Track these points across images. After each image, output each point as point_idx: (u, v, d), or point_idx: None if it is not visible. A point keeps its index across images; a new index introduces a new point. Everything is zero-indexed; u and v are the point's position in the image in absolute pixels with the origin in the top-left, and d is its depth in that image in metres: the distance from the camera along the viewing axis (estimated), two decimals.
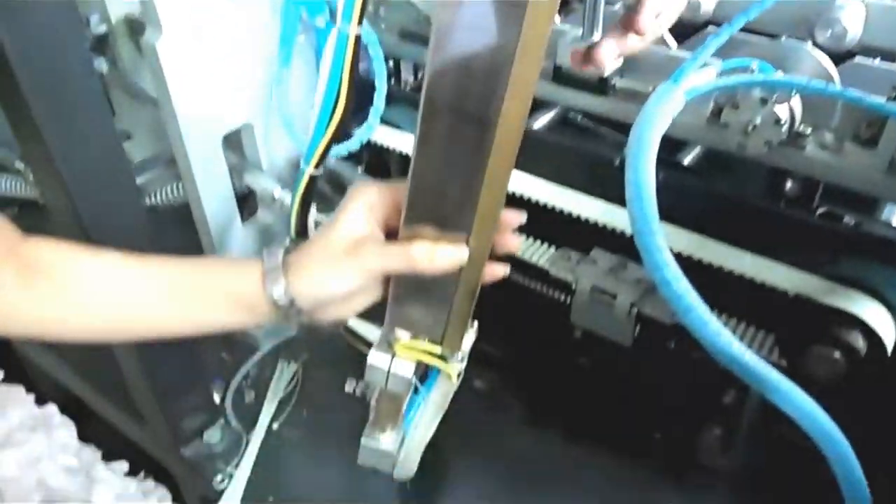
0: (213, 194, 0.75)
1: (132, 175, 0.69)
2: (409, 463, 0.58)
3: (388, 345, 0.49)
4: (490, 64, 0.37)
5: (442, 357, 0.50)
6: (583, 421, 0.76)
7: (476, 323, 0.52)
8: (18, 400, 0.67)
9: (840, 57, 0.67)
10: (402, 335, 0.49)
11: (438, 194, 0.43)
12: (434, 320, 0.48)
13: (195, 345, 0.87)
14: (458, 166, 0.41)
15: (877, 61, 0.71)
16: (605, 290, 0.67)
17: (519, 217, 0.48)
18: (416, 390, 0.57)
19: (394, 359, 0.49)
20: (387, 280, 0.48)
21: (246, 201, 0.85)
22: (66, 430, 0.78)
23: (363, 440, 0.56)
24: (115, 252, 0.49)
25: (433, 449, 0.74)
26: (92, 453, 0.79)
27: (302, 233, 0.70)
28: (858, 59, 0.72)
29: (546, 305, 0.73)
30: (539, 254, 0.73)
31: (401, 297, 0.48)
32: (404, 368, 0.49)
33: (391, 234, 0.47)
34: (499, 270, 0.50)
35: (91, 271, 0.48)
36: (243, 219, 0.80)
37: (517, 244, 0.49)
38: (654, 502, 0.68)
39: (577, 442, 0.74)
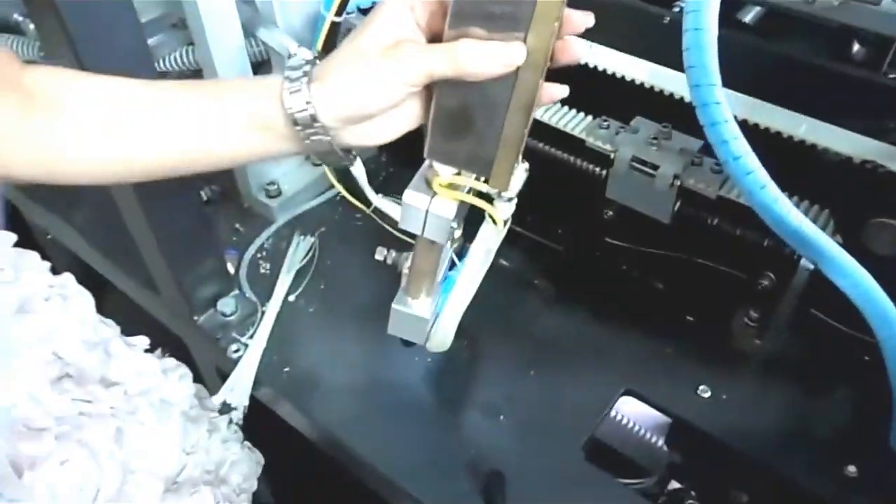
0: (226, 56, 0.69)
1: (142, 33, 0.64)
2: (443, 333, 0.53)
3: (427, 182, 0.43)
4: None
5: (488, 198, 0.44)
6: (613, 302, 0.73)
7: (526, 163, 0.45)
8: (33, 266, 0.64)
9: None
10: (443, 171, 0.43)
11: None
12: (480, 150, 0.42)
13: (209, 213, 0.84)
14: None
15: None
16: (645, 161, 0.62)
17: (588, 18, 0.40)
18: (452, 266, 0.53)
19: (433, 198, 0.43)
20: (427, 101, 0.41)
21: (259, 69, 0.79)
22: (83, 301, 0.76)
23: (394, 305, 0.51)
24: (119, 77, 0.44)
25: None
26: (110, 328, 0.78)
27: None
28: None
29: (581, 179, 0.69)
30: (575, 122, 0.68)
31: (442, 120, 0.41)
32: (445, 209, 0.43)
33: (434, 40, 0.40)
34: (558, 91, 0.43)
35: (90, 93, 0.43)
36: None
37: (582, 50, 0.41)
38: (683, 383, 0.65)
39: (607, 323, 0.71)
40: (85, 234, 0.85)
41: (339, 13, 0.57)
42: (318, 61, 0.41)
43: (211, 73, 0.70)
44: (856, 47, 0.62)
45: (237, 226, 0.82)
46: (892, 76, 0.60)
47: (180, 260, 0.70)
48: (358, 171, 0.46)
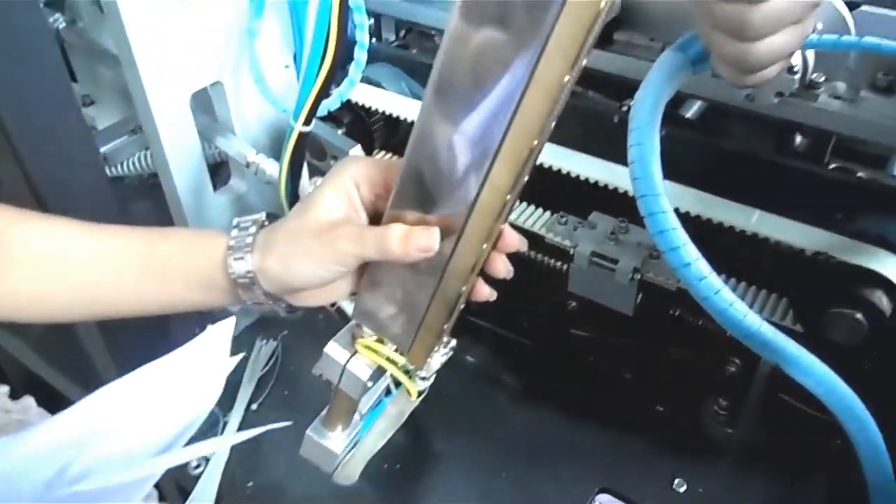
0: (182, 161, 0.69)
1: (93, 142, 0.64)
2: (351, 470, 0.53)
3: (352, 339, 0.45)
4: (512, 53, 0.31)
5: (405, 370, 0.46)
6: (582, 395, 0.72)
7: (454, 342, 0.47)
8: None
9: (849, 5, 0.63)
10: (368, 334, 0.45)
11: (433, 181, 0.37)
12: (402, 327, 0.43)
13: (166, 323, 0.82)
14: (463, 152, 0.35)
15: (885, 10, 0.67)
16: (605, 256, 0.63)
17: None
18: (388, 392, 0.53)
19: (353, 356, 0.45)
20: (363, 270, 0.43)
21: (218, 169, 0.79)
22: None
23: (308, 432, 0.52)
24: (68, 220, 0.45)
25: (423, 427, 0.71)
26: None
27: (293, 198, 0.66)
28: (864, 7, 0.68)
29: (542, 274, 0.69)
30: (534, 218, 0.68)
31: (372, 292, 0.43)
32: (361, 369, 0.45)
33: (377, 218, 0.42)
34: (485, 291, 0.44)
35: (38, 239, 0.44)
36: (216, 187, 0.75)
37: (506, 272, 0.43)
38: (659, 477, 0.64)
39: (578, 418, 0.70)
40: (34, 347, 0.83)
41: (307, 122, 0.58)
42: (266, 223, 0.44)
43: (167, 178, 0.70)
44: (798, 139, 0.65)
45: (197, 330, 0.80)
46: (833, 166, 0.62)
47: (135, 368, 0.68)
48: None
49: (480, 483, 0.65)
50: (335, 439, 0.51)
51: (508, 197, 0.37)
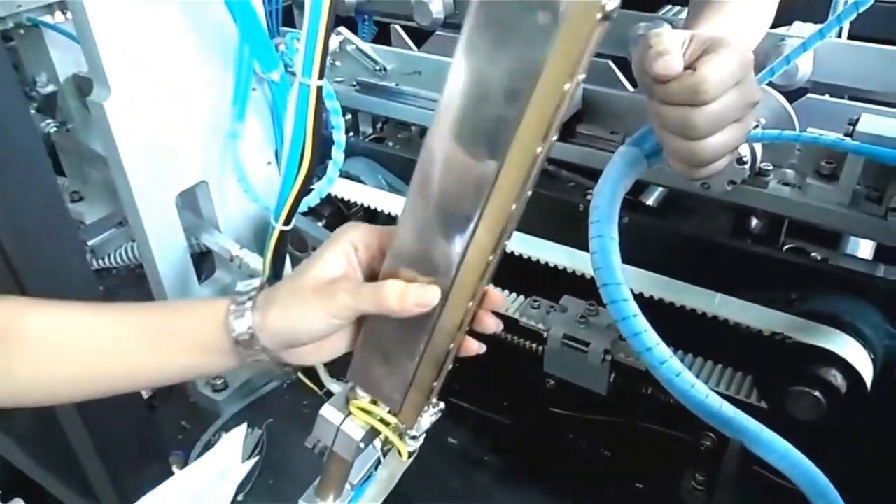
0: (167, 255, 0.72)
1: (76, 235, 0.66)
2: None
3: (346, 402, 0.46)
4: (493, 129, 0.35)
5: (396, 431, 0.47)
6: (563, 473, 0.73)
7: (441, 404, 0.49)
8: None
9: (791, 94, 0.68)
10: (362, 395, 0.46)
11: (424, 245, 0.40)
12: (394, 387, 0.45)
13: (151, 414, 0.83)
14: (449, 222, 0.39)
15: (826, 97, 0.72)
16: (576, 339, 0.66)
17: (504, 302, 0.47)
18: (377, 465, 0.54)
19: (347, 418, 0.46)
20: (359, 329, 0.45)
21: (203, 260, 0.82)
22: None
23: (301, 501, 0.52)
24: (67, 303, 0.46)
25: None
26: None
27: None
28: (810, 95, 0.73)
29: (519, 356, 0.71)
30: (508, 302, 0.71)
31: (366, 352, 0.45)
32: (355, 431, 0.46)
33: (373, 278, 0.44)
34: (473, 346, 0.46)
35: (40, 326, 0.45)
36: (201, 279, 0.77)
37: (495, 326, 0.46)
38: None
39: (560, 497, 0.71)
40: (14, 439, 0.83)
41: (286, 223, 0.61)
42: (266, 285, 0.46)
43: (153, 272, 0.72)
44: (754, 222, 0.69)
45: (183, 423, 0.81)
46: (788, 247, 0.66)
47: (122, 466, 0.68)
48: None
49: None
50: None
51: (491, 258, 0.40)
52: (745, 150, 0.61)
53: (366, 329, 0.45)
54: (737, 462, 0.70)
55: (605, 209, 0.52)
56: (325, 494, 0.52)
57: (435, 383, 0.45)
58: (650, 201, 0.70)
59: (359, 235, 0.45)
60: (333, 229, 0.74)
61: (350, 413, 0.46)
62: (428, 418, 0.47)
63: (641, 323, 0.50)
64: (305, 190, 0.61)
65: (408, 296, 0.41)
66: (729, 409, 0.51)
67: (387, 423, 0.46)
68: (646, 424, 0.72)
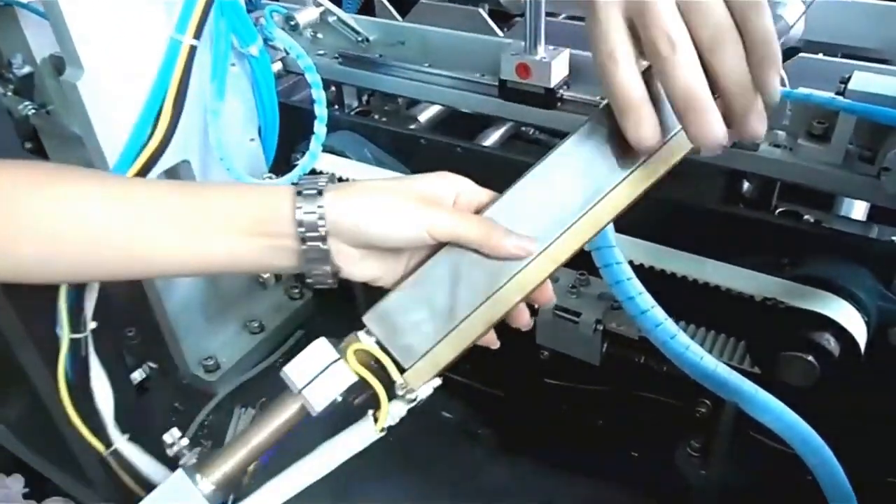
0: None
1: None
2: None
3: (344, 345, 0.42)
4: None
5: (390, 390, 0.42)
6: (557, 445, 0.73)
7: (438, 379, 0.44)
8: None
9: (784, 54, 0.66)
10: (365, 340, 0.42)
11: (531, 213, 0.42)
12: (421, 340, 0.42)
13: (144, 394, 0.83)
14: (560, 204, 0.42)
15: (819, 56, 0.70)
16: (568, 309, 0.65)
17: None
18: None
19: (337, 361, 0.41)
20: (408, 271, 0.43)
21: None
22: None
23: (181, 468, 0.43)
24: (92, 177, 0.45)
25: (400, 483, 0.71)
26: None
27: None
28: (802, 55, 0.71)
29: (510, 328, 0.70)
30: None
31: (409, 295, 0.42)
32: (342, 376, 0.41)
33: None
34: (525, 320, 0.46)
35: (46, 198, 0.42)
36: None
37: (527, 323, 0.47)
38: None
39: (553, 468, 0.71)
40: (14, 429, 0.83)
41: None
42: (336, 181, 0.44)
43: None
44: (746, 186, 0.67)
45: (176, 404, 0.81)
46: (780, 210, 0.65)
47: None
48: None
49: None
50: (204, 487, 0.42)
51: (579, 246, 0.43)
52: None
53: (424, 271, 0.42)
54: (732, 427, 0.70)
55: None
56: (211, 470, 0.43)
57: (462, 351, 0.43)
58: None
59: (465, 185, 0.44)
60: None
61: (344, 357, 0.41)
62: (427, 388, 0.43)
63: (636, 286, 0.49)
64: (157, 157, 0.59)
65: (511, 237, 0.41)
66: (724, 371, 0.51)
67: (389, 373, 0.42)
68: (639, 393, 0.71)
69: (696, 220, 0.63)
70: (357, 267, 0.43)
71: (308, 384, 0.41)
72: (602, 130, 0.42)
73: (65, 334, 0.56)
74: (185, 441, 0.45)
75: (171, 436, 0.45)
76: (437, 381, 0.44)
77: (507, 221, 0.42)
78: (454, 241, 0.42)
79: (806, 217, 0.65)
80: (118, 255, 0.42)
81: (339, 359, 0.41)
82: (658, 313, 0.50)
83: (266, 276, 0.69)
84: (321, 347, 0.42)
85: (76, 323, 0.56)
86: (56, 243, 0.42)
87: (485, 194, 0.44)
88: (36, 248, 0.42)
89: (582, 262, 0.65)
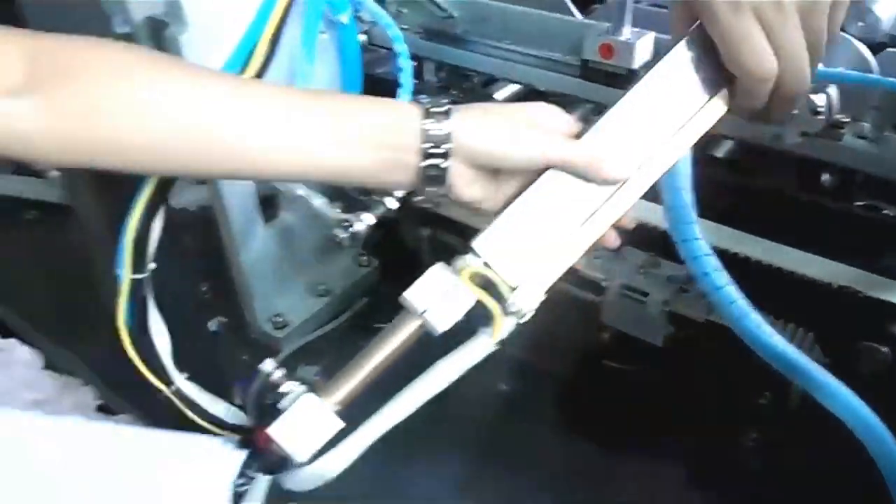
0: (236, 194, 0.74)
1: None
2: (328, 466, 0.48)
3: (458, 269, 0.44)
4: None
5: (505, 306, 0.44)
6: (614, 426, 0.73)
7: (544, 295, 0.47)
8: None
9: (872, 48, 0.65)
10: (474, 262, 0.44)
11: (631, 132, 0.44)
12: (525, 259, 0.44)
13: (212, 347, 0.86)
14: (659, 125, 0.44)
15: None
16: (636, 289, 0.65)
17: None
18: None
19: (456, 284, 0.43)
20: (512, 196, 0.45)
21: (268, 202, 0.84)
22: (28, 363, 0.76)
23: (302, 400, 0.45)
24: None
25: (455, 454, 0.72)
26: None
27: None
28: (891, 49, 0.70)
29: (576, 306, 0.71)
30: None
31: (516, 219, 0.44)
32: (465, 297, 0.43)
33: None
34: (613, 239, 0.48)
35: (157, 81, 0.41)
36: (266, 220, 0.79)
37: (615, 241, 0.49)
38: None
39: (609, 449, 0.72)
40: (95, 371, 0.87)
41: None
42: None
43: (222, 211, 0.74)
44: (825, 177, 0.67)
45: (244, 357, 0.84)
46: (859, 203, 0.64)
47: None
48: None
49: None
50: (327, 408, 0.45)
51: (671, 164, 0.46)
52: (820, 101, 0.59)
53: (528, 196, 0.44)
54: (793, 418, 0.69)
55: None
56: (336, 391, 0.45)
57: (564, 270, 0.46)
58: (720, 154, 0.68)
59: (562, 114, 0.46)
60: None
61: (459, 281, 0.43)
62: (534, 304, 0.45)
63: (712, 262, 0.50)
64: None
65: (612, 163, 0.43)
66: (794, 352, 0.51)
67: (501, 292, 0.44)
68: (700, 380, 0.71)
69: (774, 208, 0.63)
70: (467, 188, 0.45)
71: (430, 307, 0.43)
72: (689, 59, 0.44)
73: (126, 274, 0.56)
74: (281, 371, 0.48)
75: (268, 364, 0.49)
76: (542, 297, 0.46)
77: (603, 147, 0.44)
78: (562, 166, 0.44)
79: (885, 211, 0.64)
80: (231, 150, 0.42)
81: (457, 282, 0.44)
82: (732, 291, 0.50)
83: (343, 235, 0.71)
84: (440, 272, 0.44)
85: (139, 263, 0.56)
86: (170, 133, 0.41)
87: (576, 124, 0.46)
88: (148, 136, 0.41)
89: (654, 244, 0.67)
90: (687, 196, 0.50)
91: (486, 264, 0.44)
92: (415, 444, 0.74)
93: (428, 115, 0.42)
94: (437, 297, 0.43)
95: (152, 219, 0.55)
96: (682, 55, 0.44)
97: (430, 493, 0.69)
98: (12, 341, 0.91)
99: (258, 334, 0.85)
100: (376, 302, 0.89)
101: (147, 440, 0.49)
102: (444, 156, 0.42)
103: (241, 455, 0.47)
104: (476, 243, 0.44)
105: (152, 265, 0.58)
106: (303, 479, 0.49)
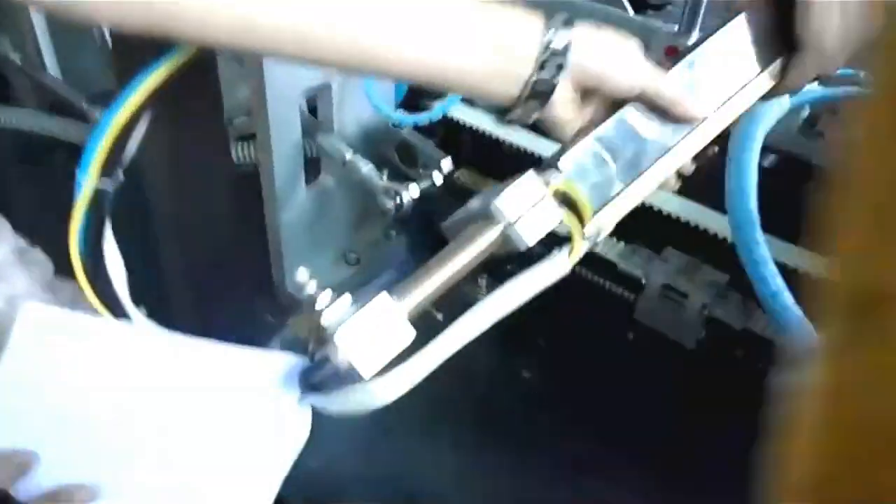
0: (284, 152, 0.74)
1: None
2: (401, 379, 0.43)
3: (545, 180, 0.43)
4: None
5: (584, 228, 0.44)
6: (630, 422, 0.74)
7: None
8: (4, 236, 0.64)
9: None
10: (557, 179, 0.43)
11: (701, 81, 0.45)
12: (604, 185, 0.44)
13: (245, 312, 0.86)
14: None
15: None
16: (677, 289, 0.66)
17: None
18: None
19: (546, 196, 0.42)
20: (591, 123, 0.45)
21: (311, 165, 0.83)
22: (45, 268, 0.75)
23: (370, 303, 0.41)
24: None
25: (473, 435, 0.73)
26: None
27: None
28: None
29: (607, 300, 0.72)
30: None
31: (596, 144, 0.44)
32: (550, 213, 0.42)
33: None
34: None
35: None
36: (306, 182, 0.79)
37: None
38: None
39: (621, 444, 0.72)
40: None
41: None
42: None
43: (267, 165, 0.74)
44: None
45: (268, 316, 0.84)
46: None
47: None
48: None
49: (528, 493, 0.68)
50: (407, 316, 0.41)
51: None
52: None
53: (611, 124, 0.45)
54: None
55: (744, 152, 0.52)
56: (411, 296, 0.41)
57: (636, 203, 0.46)
58: (766, 164, 0.69)
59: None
60: (445, 149, 0.75)
61: (547, 188, 0.42)
62: (612, 224, 0.46)
63: (770, 268, 0.50)
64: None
65: (695, 101, 0.44)
66: None
67: (581, 219, 0.43)
68: (724, 387, 0.72)
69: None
70: (563, 108, 0.43)
71: (520, 218, 0.41)
72: (755, 24, 0.46)
73: (90, 182, 0.51)
74: (314, 281, 0.43)
75: (302, 274, 0.43)
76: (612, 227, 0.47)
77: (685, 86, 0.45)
78: (653, 97, 0.44)
79: None
80: (343, 41, 0.40)
81: (547, 195, 0.42)
82: (787, 297, 0.51)
83: (389, 205, 0.71)
84: (531, 182, 0.42)
85: (109, 171, 0.51)
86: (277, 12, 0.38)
87: None
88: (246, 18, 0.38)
89: (696, 247, 0.67)
90: (752, 197, 0.51)
91: (571, 183, 0.43)
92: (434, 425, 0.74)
93: (551, 24, 0.41)
94: (527, 208, 0.41)
95: (137, 120, 0.51)
96: (743, 23, 0.46)
97: (449, 469, 0.69)
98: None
99: (284, 296, 0.85)
100: (401, 275, 0.89)
101: (201, 348, 0.48)
102: (559, 69, 0.41)
103: (304, 365, 0.46)
104: (563, 162, 0.43)
105: (120, 178, 0.53)
106: (347, 401, 0.43)
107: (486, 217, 0.42)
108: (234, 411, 0.48)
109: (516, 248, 0.42)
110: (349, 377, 0.41)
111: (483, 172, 0.80)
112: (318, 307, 0.41)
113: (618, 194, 0.45)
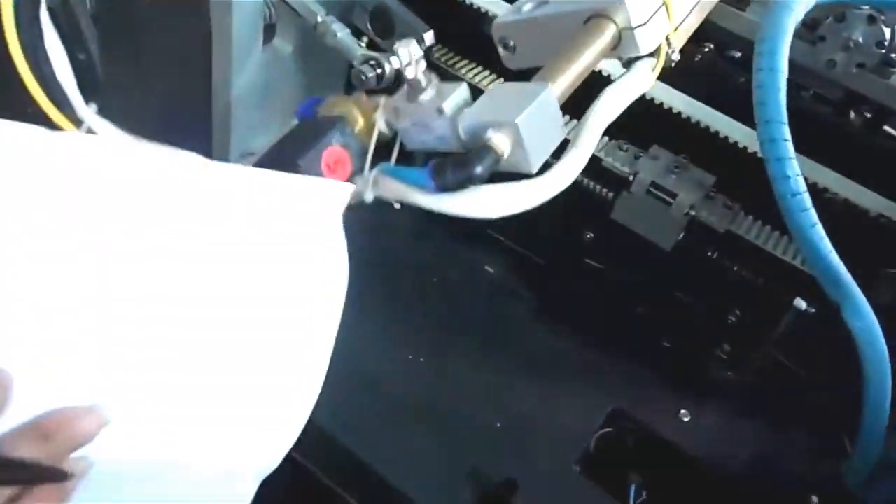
0: (243, 10, 0.64)
1: None
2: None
3: None
4: None
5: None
6: (593, 319, 0.74)
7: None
8: None
9: None
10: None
11: None
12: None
13: None
14: None
15: None
16: (664, 188, 0.64)
17: None
18: None
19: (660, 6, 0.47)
20: None
21: (269, 29, 0.74)
22: None
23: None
24: None
25: (439, 328, 0.70)
26: None
27: None
28: None
29: (583, 197, 0.70)
30: None
31: None
32: (663, 23, 0.47)
33: None
34: None
35: None
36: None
37: None
38: (666, 406, 0.67)
39: (591, 340, 0.72)
40: None
41: None
42: None
43: (223, 22, 0.64)
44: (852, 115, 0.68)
45: None
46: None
47: None
48: None
49: (503, 390, 0.66)
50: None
51: None
52: (887, 33, 0.59)
53: None
54: (769, 344, 0.72)
55: (773, 41, 0.50)
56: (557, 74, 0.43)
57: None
58: None
59: None
60: (426, 18, 0.68)
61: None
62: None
63: (794, 167, 0.49)
64: None
65: None
66: (835, 259, 0.52)
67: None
68: (692, 289, 0.72)
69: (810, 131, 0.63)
70: None
71: (643, 24, 0.46)
72: None
73: None
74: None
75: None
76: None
77: None
78: None
79: None
80: None
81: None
82: (807, 199, 0.50)
83: (370, 75, 0.63)
84: None
85: None
86: None
87: None
88: None
89: (685, 145, 0.66)
90: (781, 90, 0.49)
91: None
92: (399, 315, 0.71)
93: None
94: (647, 17, 0.46)
95: None
96: None
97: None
98: None
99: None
100: None
101: (206, 169, 0.37)
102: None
103: (349, 189, 0.39)
104: None
105: None
106: (496, 202, 0.38)
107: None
108: (269, 264, 0.36)
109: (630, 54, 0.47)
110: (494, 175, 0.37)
111: (455, 45, 0.74)
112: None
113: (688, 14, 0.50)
